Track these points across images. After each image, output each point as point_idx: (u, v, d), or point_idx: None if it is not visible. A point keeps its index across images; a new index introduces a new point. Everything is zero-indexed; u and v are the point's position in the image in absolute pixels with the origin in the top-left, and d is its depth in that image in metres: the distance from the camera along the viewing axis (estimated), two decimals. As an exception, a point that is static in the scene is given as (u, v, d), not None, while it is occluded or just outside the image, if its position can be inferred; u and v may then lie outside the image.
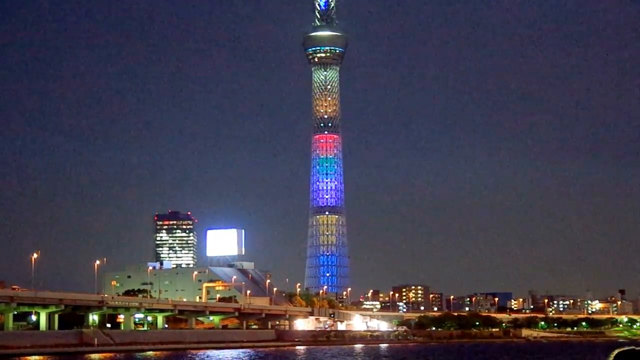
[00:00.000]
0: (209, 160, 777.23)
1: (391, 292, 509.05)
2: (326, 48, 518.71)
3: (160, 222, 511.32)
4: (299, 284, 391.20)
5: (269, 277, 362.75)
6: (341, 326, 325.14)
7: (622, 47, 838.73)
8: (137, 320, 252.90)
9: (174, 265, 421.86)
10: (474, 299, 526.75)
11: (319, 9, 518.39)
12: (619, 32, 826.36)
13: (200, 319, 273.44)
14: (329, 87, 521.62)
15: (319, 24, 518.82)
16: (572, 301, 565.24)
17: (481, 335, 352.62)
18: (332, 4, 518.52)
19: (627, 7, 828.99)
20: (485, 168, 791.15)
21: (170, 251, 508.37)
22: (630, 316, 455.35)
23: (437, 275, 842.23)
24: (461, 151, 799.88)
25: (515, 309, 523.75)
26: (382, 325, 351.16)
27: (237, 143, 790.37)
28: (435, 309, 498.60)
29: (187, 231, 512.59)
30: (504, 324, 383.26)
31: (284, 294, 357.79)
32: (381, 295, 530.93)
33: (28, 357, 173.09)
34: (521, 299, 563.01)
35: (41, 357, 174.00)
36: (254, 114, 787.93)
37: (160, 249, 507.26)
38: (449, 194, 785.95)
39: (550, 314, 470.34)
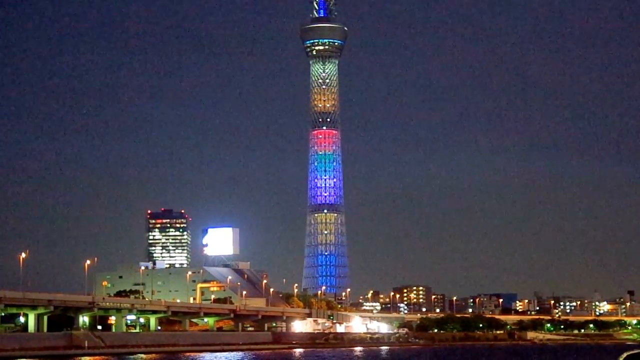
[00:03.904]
0: (203, 156, 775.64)
1: (392, 293, 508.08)
2: (325, 40, 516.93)
3: (153, 221, 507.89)
4: (296, 285, 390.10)
5: (266, 278, 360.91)
6: (340, 328, 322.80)
7: (622, 46, 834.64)
8: (129, 322, 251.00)
9: (167, 265, 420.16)
10: (477, 300, 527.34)
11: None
12: (618, 30, 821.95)
13: (195, 320, 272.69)
14: (327, 81, 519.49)
15: (317, 15, 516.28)
16: (579, 302, 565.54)
17: (485, 337, 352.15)
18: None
19: (627, 6, 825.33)
20: (490, 165, 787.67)
21: (164, 250, 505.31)
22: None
23: (440, 275, 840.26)
24: (465, 147, 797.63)
25: (520, 310, 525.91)
26: (383, 327, 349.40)
27: (232, 139, 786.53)
28: (438, 310, 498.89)
29: (181, 230, 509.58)
30: (508, 326, 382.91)
31: (281, 295, 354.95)
32: (381, 296, 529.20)
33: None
34: (526, 301, 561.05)
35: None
36: (250, 108, 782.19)
37: (153, 248, 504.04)
38: (452, 191, 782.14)
39: (557, 315, 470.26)
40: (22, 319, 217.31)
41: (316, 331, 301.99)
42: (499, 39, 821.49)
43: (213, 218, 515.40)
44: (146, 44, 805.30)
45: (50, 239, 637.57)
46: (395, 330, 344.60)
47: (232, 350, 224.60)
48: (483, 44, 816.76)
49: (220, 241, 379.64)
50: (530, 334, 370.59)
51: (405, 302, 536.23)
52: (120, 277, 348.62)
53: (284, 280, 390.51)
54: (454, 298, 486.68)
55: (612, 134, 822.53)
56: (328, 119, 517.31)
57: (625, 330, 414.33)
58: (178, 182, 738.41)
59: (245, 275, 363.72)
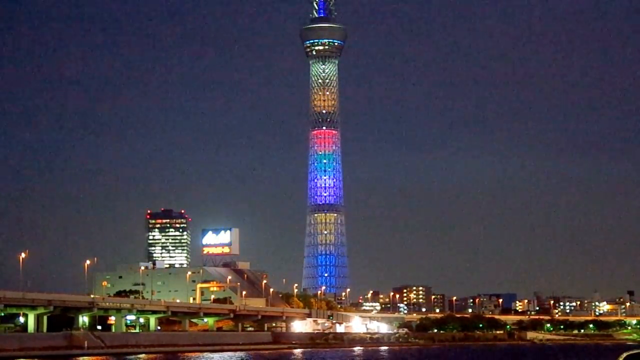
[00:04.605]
0: (203, 156, 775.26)
1: (391, 293, 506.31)
2: (324, 41, 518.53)
3: (153, 221, 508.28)
4: (296, 285, 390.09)
5: (266, 278, 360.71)
6: (340, 328, 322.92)
7: (618, 46, 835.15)
8: (128, 322, 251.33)
9: (167, 265, 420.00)
10: (477, 300, 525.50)
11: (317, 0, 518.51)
12: (614, 31, 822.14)
13: (194, 320, 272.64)
14: (327, 81, 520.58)
15: (317, 16, 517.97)
16: (579, 303, 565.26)
17: (485, 337, 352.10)
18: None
19: (623, 6, 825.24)
20: (489, 166, 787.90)
21: (163, 251, 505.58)
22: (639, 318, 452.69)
23: (439, 275, 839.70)
24: (465, 148, 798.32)
25: (520, 310, 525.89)
26: (382, 327, 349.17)
27: (233, 139, 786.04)
28: (437, 310, 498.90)
29: (181, 230, 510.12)
30: (508, 326, 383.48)
31: (280, 295, 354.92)
32: (381, 296, 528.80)
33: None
34: (526, 301, 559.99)
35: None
36: (250, 108, 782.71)
37: (153, 248, 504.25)
38: (452, 191, 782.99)
39: (557, 315, 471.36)
40: (21, 319, 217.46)
41: (316, 331, 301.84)
42: (499, 39, 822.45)
43: (213, 218, 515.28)
44: (146, 44, 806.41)
45: (50, 239, 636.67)
46: (395, 330, 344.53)
47: (232, 350, 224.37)
48: (483, 44, 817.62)
49: (219, 241, 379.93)
50: (530, 334, 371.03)
51: (405, 302, 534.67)
52: (120, 277, 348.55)
53: (284, 280, 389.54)
54: (454, 298, 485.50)
55: (612, 133, 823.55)
56: (328, 119, 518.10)
57: (625, 331, 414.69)
58: (178, 182, 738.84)
59: (245, 276, 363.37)
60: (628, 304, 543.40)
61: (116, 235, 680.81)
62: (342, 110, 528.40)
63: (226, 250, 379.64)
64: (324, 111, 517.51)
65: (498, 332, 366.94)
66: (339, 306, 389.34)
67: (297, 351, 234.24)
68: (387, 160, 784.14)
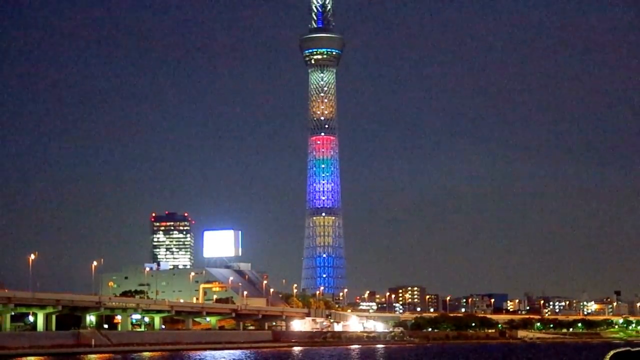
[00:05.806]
0: (206, 161, 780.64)
1: (387, 293, 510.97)
2: (323, 50, 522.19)
3: (158, 223, 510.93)
4: (295, 285, 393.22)
5: (266, 278, 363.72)
6: (338, 327, 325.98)
7: (615, 49, 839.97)
8: (134, 321, 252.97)
9: (171, 266, 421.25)
10: (470, 300, 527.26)
11: (315, 11, 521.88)
12: (608, 35, 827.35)
13: (197, 319, 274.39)
14: (325, 88, 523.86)
15: (315, 26, 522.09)
16: (567, 302, 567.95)
17: (477, 336, 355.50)
18: (329, 6, 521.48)
19: (619, 9, 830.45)
20: (482, 169, 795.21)
21: (167, 252, 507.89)
22: (626, 317, 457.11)
23: (434, 276, 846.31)
24: (458, 152, 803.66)
25: (511, 310, 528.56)
26: (379, 326, 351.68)
27: (234, 144, 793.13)
28: (432, 310, 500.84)
29: (184, 232, 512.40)
30: (500, 325, 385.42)
31: (280, 295, 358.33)
32: (377, 296, 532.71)
33: (25, 358, 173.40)
34: (517, 300, 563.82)
35: (38, 358, 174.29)
36: (251, 115, 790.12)
37: (158, 250, 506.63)
38: (446, 195, 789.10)
39: (546, 315, 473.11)
40: (31, 318, 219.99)
41: (314, 330, 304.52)
42: (495, 46, 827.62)
43: (215, 221, 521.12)
44: (149, 51, 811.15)
45: (58, 241, 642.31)
46: (391, 329, 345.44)
47: (233, 349, 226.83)
48: (479, 51, 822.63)
49: (221, 243, 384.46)
50: (521, 333, 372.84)
51: (401, 302, 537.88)
52: (126, 277, 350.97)
53: (284, 280, 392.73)
54: (448, 298, 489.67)
55: (601, 139, 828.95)
56: (326, 126, 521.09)
57: (612, 329, 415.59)
58: (182, 186, 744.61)
59: (246, 276, 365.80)
60: (615, 303, 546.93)
61: (122, 238, 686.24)
62: (340, 117, 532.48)
63: (228, 251, 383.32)
64: (322, 118, 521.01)
65: (490, 330, 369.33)
66: (337, 306, 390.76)
67: (297, 349, 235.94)
68: (383, 165, 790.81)
